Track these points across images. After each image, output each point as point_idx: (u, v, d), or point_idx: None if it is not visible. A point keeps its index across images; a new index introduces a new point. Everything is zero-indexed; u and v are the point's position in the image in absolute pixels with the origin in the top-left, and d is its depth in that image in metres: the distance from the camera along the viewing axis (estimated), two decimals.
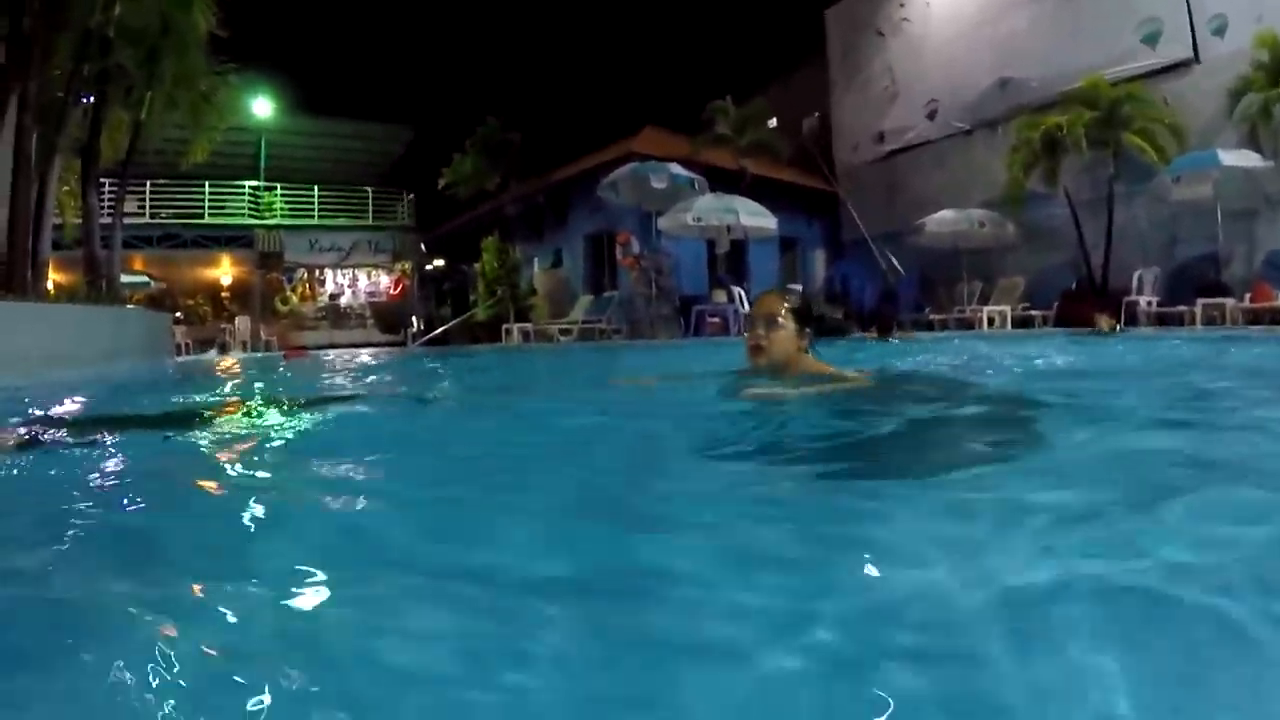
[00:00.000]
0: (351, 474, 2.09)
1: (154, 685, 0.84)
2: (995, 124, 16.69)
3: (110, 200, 14.73)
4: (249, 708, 0.82)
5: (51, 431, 2.93)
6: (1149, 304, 13.03)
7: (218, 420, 3.20)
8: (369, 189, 27.05)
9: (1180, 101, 13.85)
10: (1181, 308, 12.35)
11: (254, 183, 25.12)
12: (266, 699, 0.83)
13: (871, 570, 1.17)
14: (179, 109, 13.97)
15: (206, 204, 24.35)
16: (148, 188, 22.85)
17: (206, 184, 23.78)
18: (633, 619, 1.02)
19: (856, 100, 20.67)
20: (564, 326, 16.59)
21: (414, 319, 23.78)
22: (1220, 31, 13.63)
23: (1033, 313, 14.68)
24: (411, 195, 27.28)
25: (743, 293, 14.81)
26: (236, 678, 0.87)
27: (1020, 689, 0.82)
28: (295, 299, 26.33)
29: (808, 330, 3.05)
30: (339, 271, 27.30)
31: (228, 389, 6.46)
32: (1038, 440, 2.28)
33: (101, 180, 13.81)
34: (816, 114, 21.53)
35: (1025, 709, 0.79)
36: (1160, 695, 0.81)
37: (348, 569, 1.24)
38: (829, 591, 1.07)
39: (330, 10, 30.64)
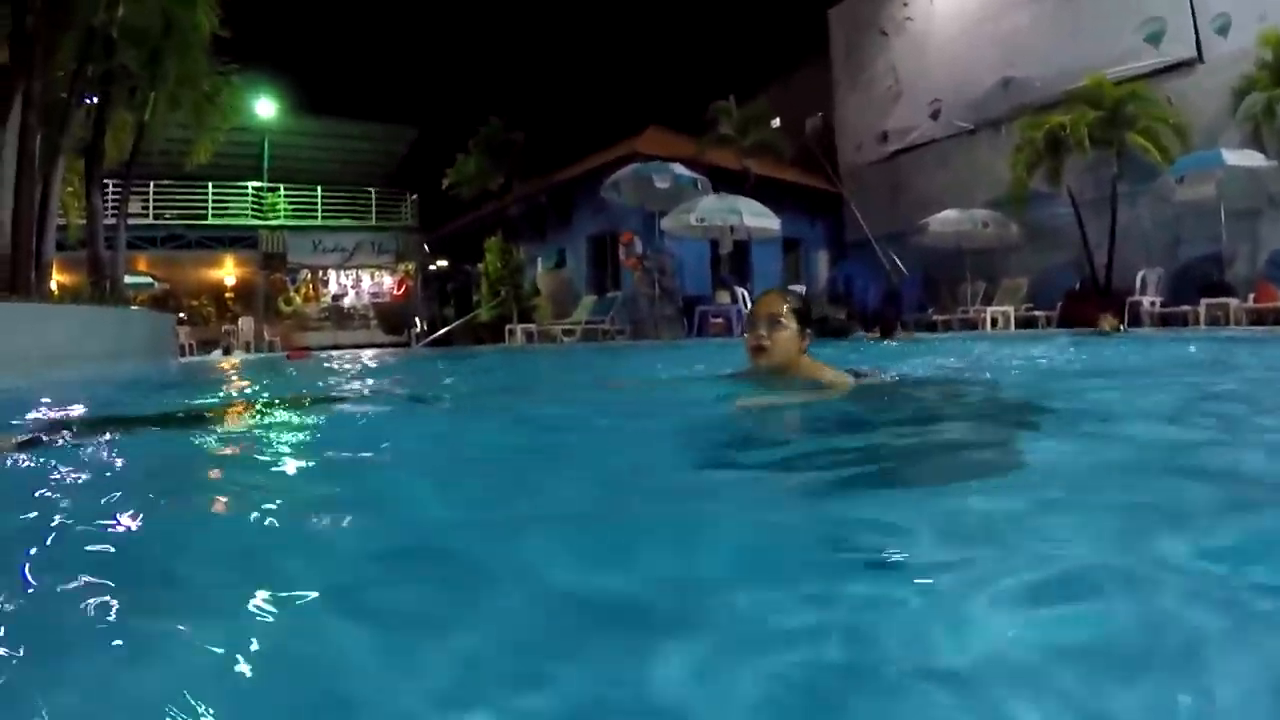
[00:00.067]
0: (349, 476, 2.09)
1: (153, 688, 0.85)
2: (999, 123, 16.67)
3: (114, 201, 14.75)
4: (250, 709, 0.82)
5: (54, 432, 2.93)
6: (1153, 304, 13.01)
7: (221, 421, 3.20)
8: (372, 190, 27.08)
9: (1183, 101, 13.83)
10: (1185, 308, 12.33)
11: (257, 183, 25.16)
12: (267, 701, 0.83)
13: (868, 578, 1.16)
14: (182, 109, 13.99)
15: (210, 205, 24.40)
16: (151, 188, 22.89)
17: (210, 185, 23.81)
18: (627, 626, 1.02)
19: (860, 100, 20.65)
20: (567, 327, 16.59)
21: (417, 320, 23.79)
22: (1223, 30, 13.60)
23: (1036, 313, 14.65)
24: (415, 196, 27.32)
25: (746, 293, 14.80)
26: (237, 680, 0.87)
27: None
28: (299, 300, 26.37)
29: (809, 331, 3.02)
30: (342, 272, 27.32)
31: (231, 390, 6.46)
32: (1033, 452, 2.27)
33: (105, 181, 13.84)
34: (820, 114, 21.53)
35: None
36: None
37: (348, 569, 1.24)
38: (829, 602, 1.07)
39: (333, 10, 30.68)
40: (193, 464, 2.36)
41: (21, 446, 2.38)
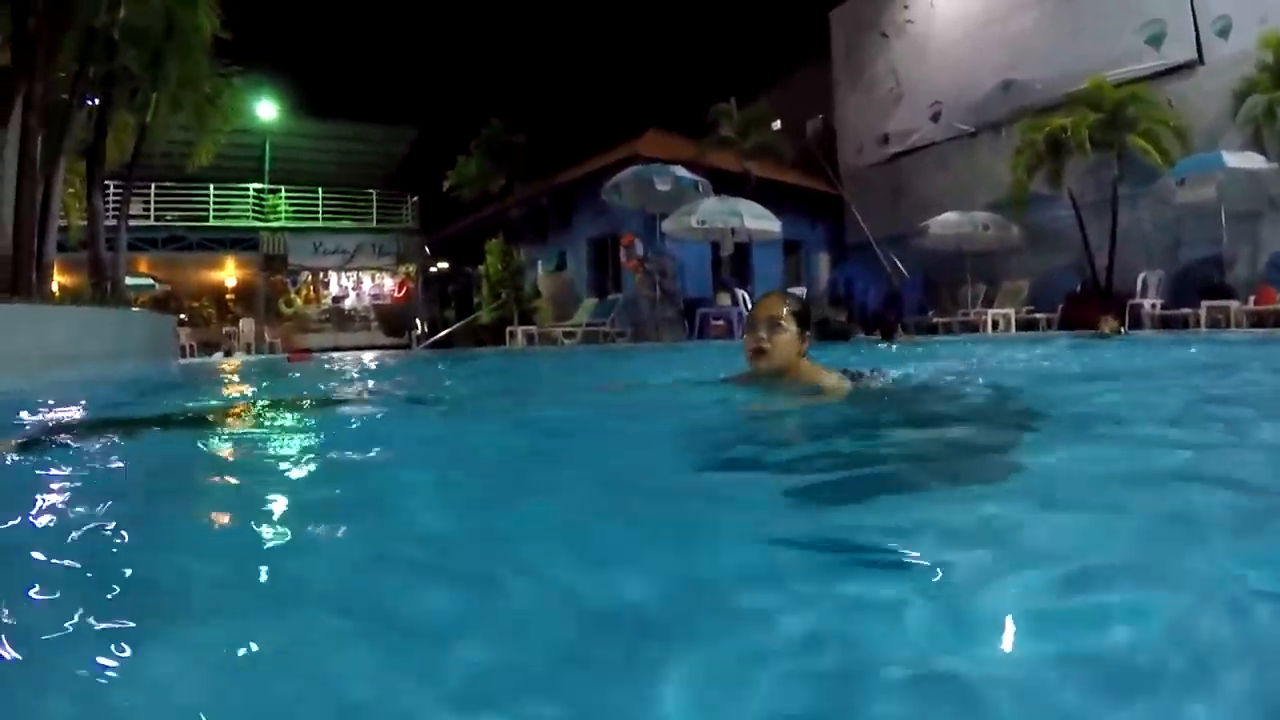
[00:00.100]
0: (348, 479, 2.09)
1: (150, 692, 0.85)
2: (999, 126, 16.68)
3: (115, 202, 14.76)
4: (248, 713, 0.82)
5: (53, 434, 2.93)
6: (1153, 307, 13.00)
7: (221, 424, 3.20)
8: (373, 191, 27.12)
9: (1184, 103, 13.83)
10: (1186, 310, 12.32)
11: (258, 185, 25.21)
12: (266, 705, 0.83)
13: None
14: (184, 111, 13.99)
15: (211, 206, 24.44)
16: (152, 190, 22.93)
17: (211, 186, 23.84)
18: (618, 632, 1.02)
19: (860, 102, 20.66)
20: (568, 329, 16.59)
21: (418, 322, 23.81)
22: (1224, 33, 13.61)
23: (1037, 315, 14.65)
24: (416, 198, 27.36)
25: (746, 295, 14.81)
26: (235, 684, 0.87)
27: None
28: (299, 301, 26.39)
29: (808, 334, 3.01)
30: (343, 274, 27.35)
31: (231, 393, 6.46)
32: (1032, 457, 2.27)
33: (106, 182, 13.86)
34: (820, 116, 21.54)
35: None
36: None
37: (347, 573, 1.24)
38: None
39: (335, 12, 30.71)
40: (192, 467, 2.36)
41: (21, 449, 2.38)
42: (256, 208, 25.21)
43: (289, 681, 0.88)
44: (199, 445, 2.74)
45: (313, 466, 2.33)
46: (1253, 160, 11.89)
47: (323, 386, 6.48)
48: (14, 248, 9.09)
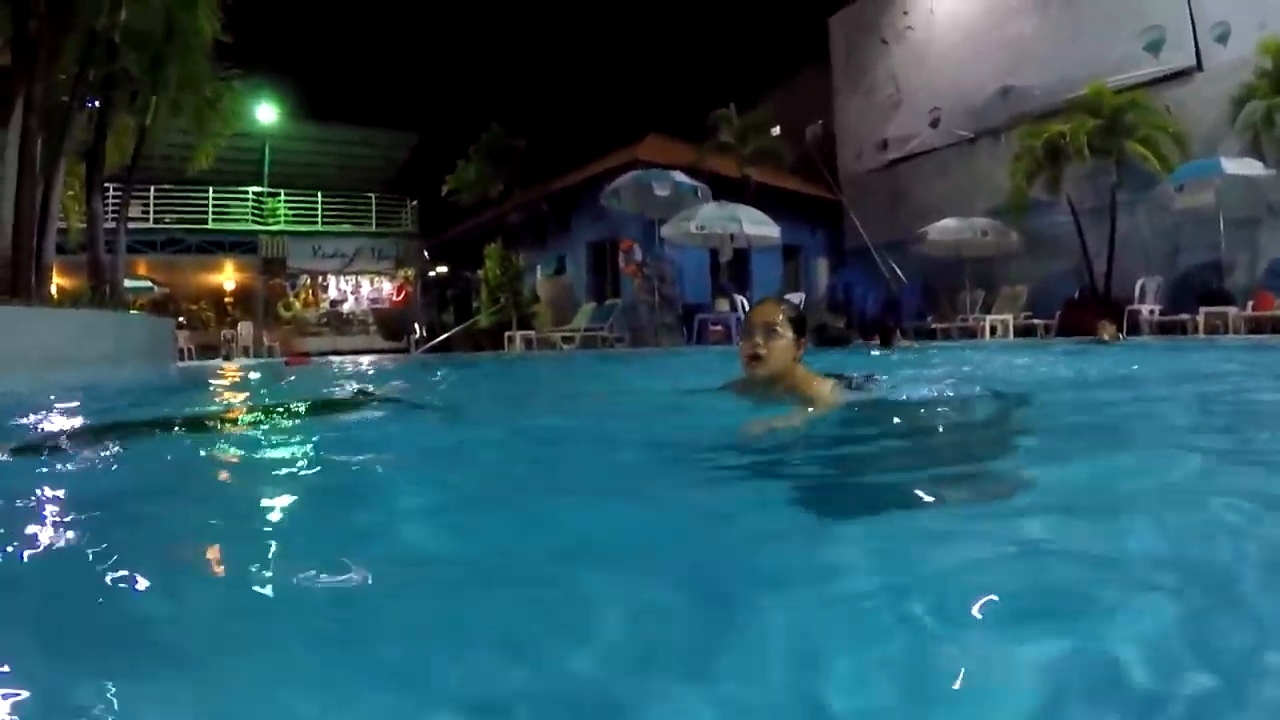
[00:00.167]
0: (345, 481, 2.09)
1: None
2: (998, 132, 16.69)
3: (114, 205, 14.76)
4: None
5: (50, 439, 2.92)
6: (1151, 313, 13.01)
7: (217, 429, 3.19)
8: (372, 195, 27.14)
9: (1183, 109, 13.85)
10: (1184, 316, 12.32)
11: (258, 188, 25.23)
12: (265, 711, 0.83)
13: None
14: (184, 114, 14.00)
15: (210, 209, 24.44)
16: (152, 193, 22.93)
17: (210, 189, 23.83)
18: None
19: (860, 108, 20.69)
20: (566, 334, 16.58)
21: (417, 326, 23.79)
22: (1223, 39, 13.64)
23: (1035, 321, 14.65)
24: (415, 202, 27.37)
25: (745, 301, 14.80)
26: (232, 690, 0.87)
27: None
28: (298, 305, 26.40)
29: (803, 340, 3.00)
30: (342, 278, 27.36)
31: (229, 397, 6.45)
32: (1028, 463, 2.26)
33: (106, 185, 13.86)
34: (820, 121, 21.54)
35: None
36: None
37: (346, 575, 1.24)
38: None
39: (335, 16, 30.73)
40: (189, 472, 2.36)
41: (15, 452, 2.37)
42: (256, 211, 25.22)
43: (286, 686, 0.87)
44: (194, 451, 2.74)
45: (307, 473, 2.32)
46: (1251, 166, 11.90)
47: (320, 391, 6.47)
48: (13, 249, 9.09)
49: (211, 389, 7.29)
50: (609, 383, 7.54)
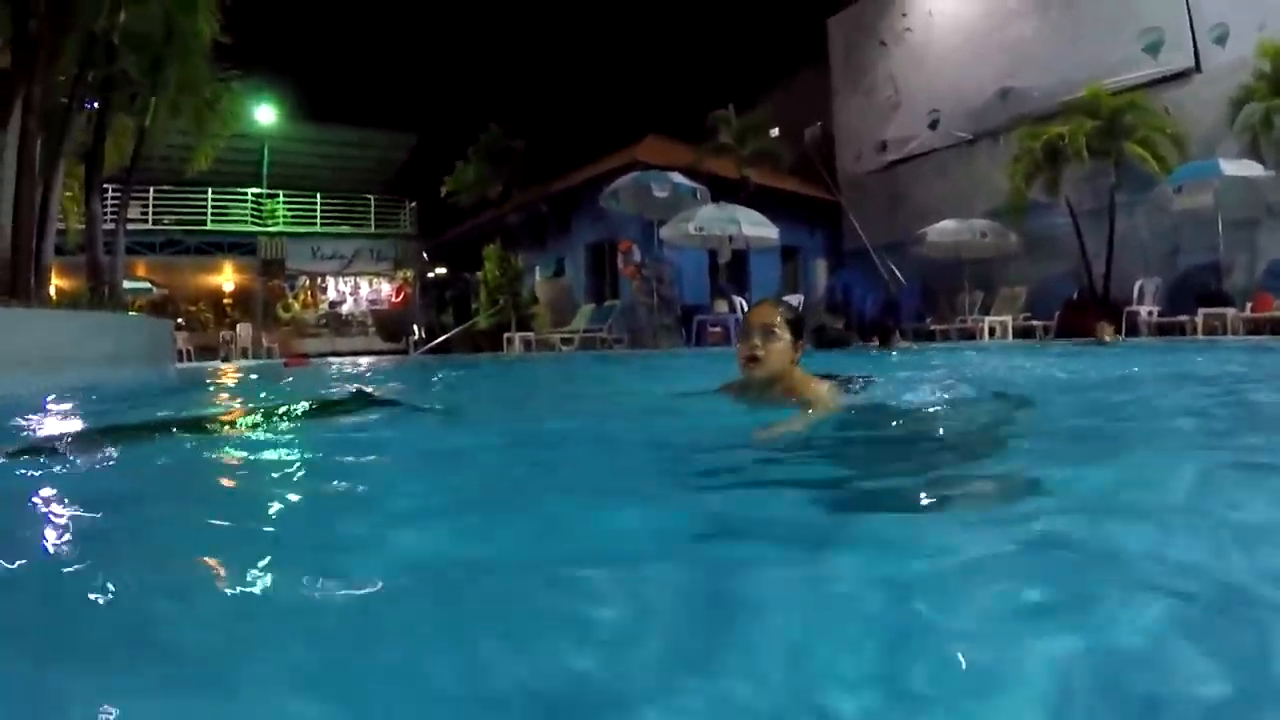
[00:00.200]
0: (343, 482, 2.08)
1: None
2: (997, 133, 16.71)
3: (113, 206, 14.76)
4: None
5: (48, 442, 2.92)
6: (1150, 314, 13.02)
7: (216, 432, 3.19)
8: (371, 196, 27.16)
9: (1181, 111, 13.86)
10: (1183, 318, 12.33)
11: (257, 190, 25.22)
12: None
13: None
14: (183, 116, 14.01)
15: (209, 211, 24.44)
16: (151, 194, 22.94)
17: (209, 190, 23.85)
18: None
19: (859, 109, 20.70)
20: (565, 335, 16.58)
21: (415, 327, 23.79)
22: (1221, 40, 13.65)
23: (1034, 323, 14.66)
24: (414, 203, 27.39)
25: (744, 302, 14.80)
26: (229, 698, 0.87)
27: None
28: (297, 306, 26.39)
29: (801, 341, 3.00)
30: (341, 279, 27.36)
31: (227, 400, 6.45)
32: (1025, 465, 2.26)
33: (105, 186, 13.86)
34: (819, 123, 21.54)
35: None
36: None
37: (347, 578, 1.24)
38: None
39: (334, 17, 30.72)
40: (186, 475, 2.36)
41: (12, 456, 2.36)
42: (255, 212, 25.22)
43: (277, 702, 0.87)
44: (193, 454, 2.74)
45: (305, 476, 2.32)
46: (1250, 168, 11.91)
47: (318, 392, 6.47)
48: (12, 250, 9.09)
49: (210, 391, 7.28)
50: (608, 384, 7.54)
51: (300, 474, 2.29)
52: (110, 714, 0.81)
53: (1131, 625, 0.97)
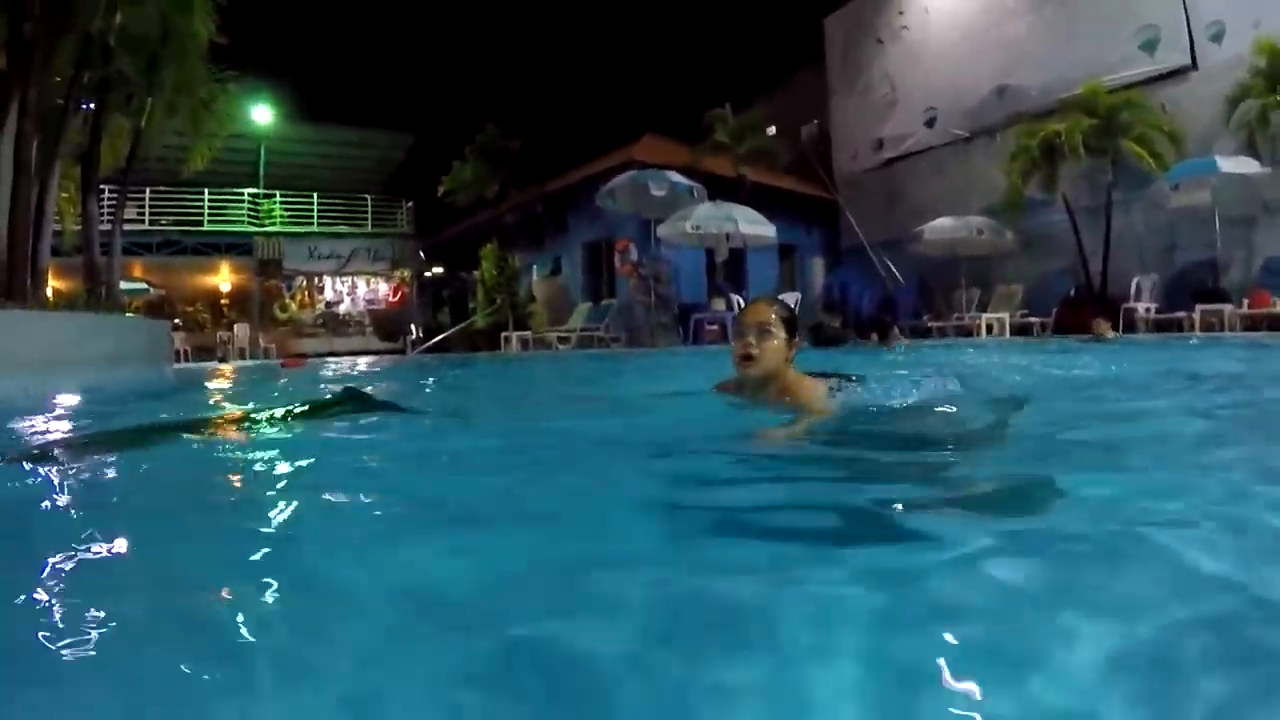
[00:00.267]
0: (342, 484, 2.09)
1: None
2: (994, 131, 16.71)
3: (110, 207, 14.73)
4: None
5: (46, 446, 2.92)
6: (1147, 311, 13.04)
7: (214, 435, 3.19)
8: (368, 196, 27.12)
9: (1178, 108, 13.88)
10: (1180, 314, 12.36)
11: (253, 190, 25.18)
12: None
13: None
14: (179, 116, 13.96)
15: (206, 211, 24.42)
16: (147, 194, 22.92)
17: (206, 191, 23.82)
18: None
19: (855, 107, 20.71)
20: (562, 334, 16.58)
21: (413, 327, 23.78)
22: (1218, 38, 13.67)
23: (1031, 320, 14.67)
24: (411, 203, 27.36)
25: (741, 300, 14.81)
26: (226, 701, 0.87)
27: None
28: (294, 306, 26.36)
29: (796, 340, 3.00)
30: (338, 279, 27.32)
31: (225, 401, 6.45)
32: (1021, 467, 2.26)
33: (101, 187, 13.82)
34: (815, 121, 21.57)
35: None
36: None
37: (349, 579, 1.24)
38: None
39: (330, 18, 30.71)
40: (184, 477, 2.36)
41: (10, 461, 2.36)
42: (251, 213, 25.19)
43: (272, 705, 0.87)
44: (191, 457, 2.74)
45: (303, 477, 2.32)
46: (1246, 165, 11.93)
47: (315, 393, 6.47)
48: (9, 252, 9.07)
49: (208, 391, 7.28)
50: (604, 384, 7.54)
51: (294, 478, 2.29)
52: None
53: (1131, 625, 0.97)
